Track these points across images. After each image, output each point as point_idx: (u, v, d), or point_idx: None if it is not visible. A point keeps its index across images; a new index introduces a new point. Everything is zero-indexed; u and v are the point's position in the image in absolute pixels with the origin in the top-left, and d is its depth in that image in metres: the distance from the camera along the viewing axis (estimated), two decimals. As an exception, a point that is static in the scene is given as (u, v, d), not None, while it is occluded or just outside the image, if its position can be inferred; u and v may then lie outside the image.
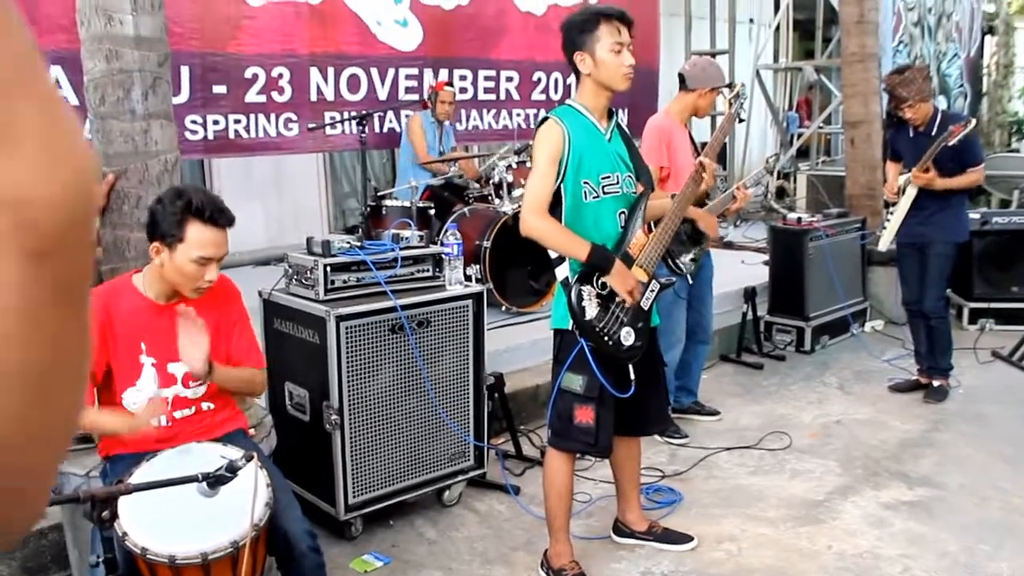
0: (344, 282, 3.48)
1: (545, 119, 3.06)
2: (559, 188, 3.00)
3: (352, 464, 3.43)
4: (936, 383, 5.31)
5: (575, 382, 3.06)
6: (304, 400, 3.52)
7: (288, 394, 3.61)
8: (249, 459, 2.10)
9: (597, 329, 2.99)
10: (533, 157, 3.05)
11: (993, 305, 6.84)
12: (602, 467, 3.91)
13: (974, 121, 4.96)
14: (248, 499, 2.17)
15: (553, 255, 3.06)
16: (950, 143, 4.81)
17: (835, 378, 5.73)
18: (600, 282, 2.99)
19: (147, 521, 2.19)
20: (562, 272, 3.04)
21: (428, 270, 3.73)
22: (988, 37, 15.12)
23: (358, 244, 3.60)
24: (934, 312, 5.21)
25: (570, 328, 3.04)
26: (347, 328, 3.35)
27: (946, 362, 5.32)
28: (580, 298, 2.98)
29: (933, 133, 4.96)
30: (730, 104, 3.63)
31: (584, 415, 3.07)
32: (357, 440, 3.44)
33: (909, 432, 4.78)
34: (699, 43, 10.53)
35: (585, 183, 3.01)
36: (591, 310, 2.98)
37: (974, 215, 6.44)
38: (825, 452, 4.51)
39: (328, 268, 3.43)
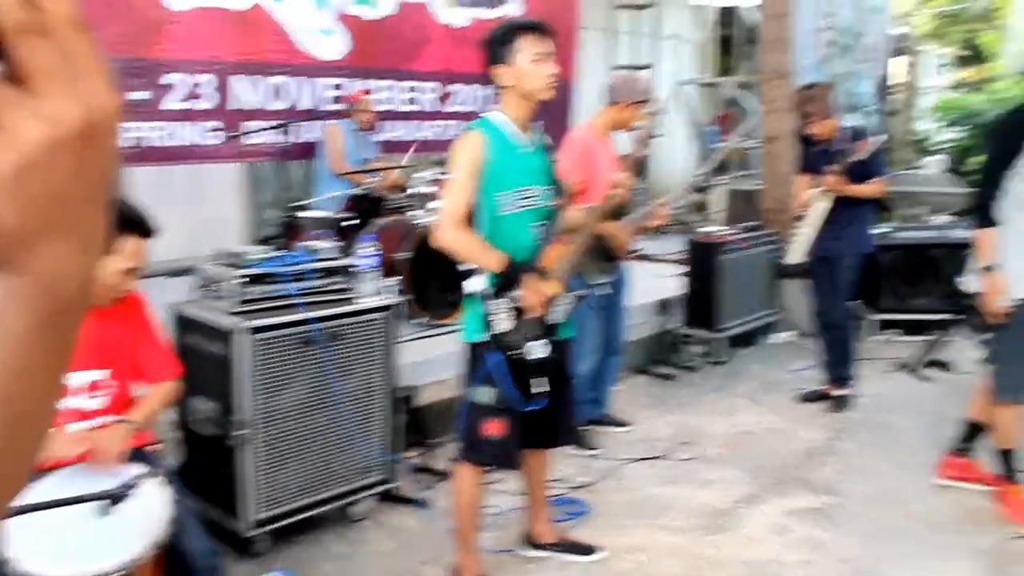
0: (256, 294, 3.45)
1: (465, 130, 3.09)
2: (477, 200, 3.03)
3: (259, 479, 3.41)
4: (840, 392, 5.47)
5: (485, 395, 3.09)
6: (212, 415, 3.47)
7: (195, 409, 3.56)
8: (149, 477, 2.07)
9: (508, 342, 3.02)
10: (451, 168, 3.08)
11: (899, 317, 7.06)
12: (513, 479, 3.94)
13: (882, 137, 5.16)
14: (147, 518, 2.15)
15: (466, 268, 3.08)
16: (856, 158, 4.99)
17: (745, 388, 5.87)
18: (513, 295, 3.02)
19: (38, 544, 2.15)
20: (475, 285, 3.06)
21: (342, 282, 3.73)
22: (897, 58, 15.61)
23: (271, 256, 3.59)
24: (840, 323, 5.39)
25: (482, 341, 3.06)
26: (257, 341, 3.33)
27: (850, 372, 5.50)
28: (492, 311, 3.01)
29: (838, 148, 5.14)
30: (646, 120, 3.69)
31: (493, 428, 3.09)
32: (265, 454, 3.42)
33: (814, 441, 4.92)
34: (623, 58, 10.69)
35: (502, 195, 3.04)
36: (504, 323, 3.02)
37: (881, 230, 6.65)
38: (734, 461, 4.61)
39: (239, 280, 3.40)
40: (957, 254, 6.95)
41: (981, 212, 3.75)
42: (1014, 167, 3.62)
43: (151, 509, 2.15)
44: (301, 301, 3.49)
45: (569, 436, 3.71)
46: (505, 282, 3.01)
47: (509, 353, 3.03)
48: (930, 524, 3.90)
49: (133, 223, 2.51)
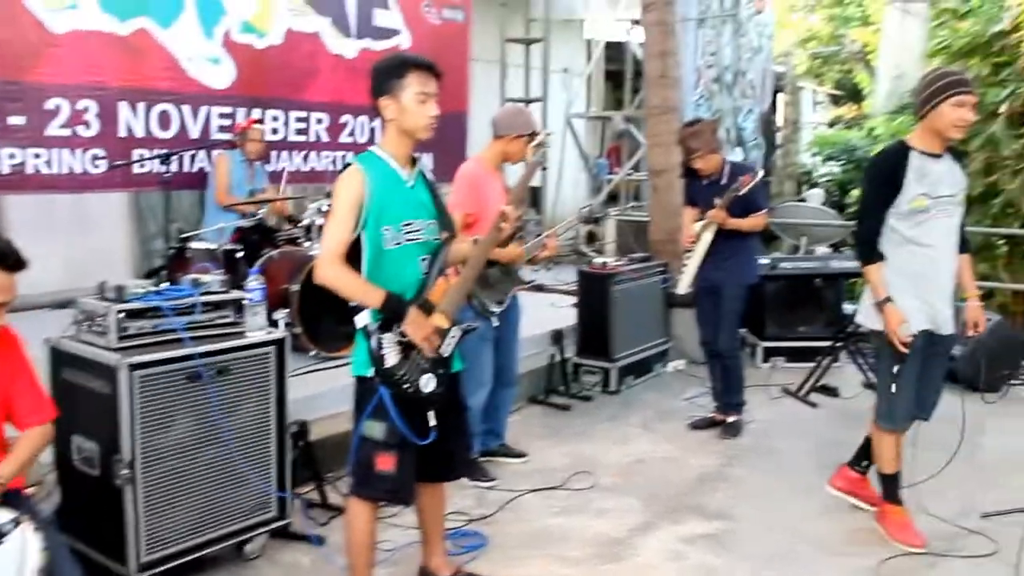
0: (139, 329, 3.34)
1: (347, 165, 3.05)
2: (360, 235, 3.00)
3: (145, 520, 3.27)
4: (731, 419, 5.59)
5: (376, 429, 3.05)
6: (94, 454, 3.33)
7: (76, 448, 3.41)
8: (17, 523, 1.97)
9: (396, 377, 2.99)
10: (332, 203, 3.04)
11: (783, 344, 7.27)
12: (409, 513, 3.88)
13: (761, 173, 5.33)
14: (16, 567, 2.03)
15: (353, 303, 3.04)
16: (741, 192, 5.15)
17: (639, 417, 5.93)
18: (400, 330, 2.99)
19: None
20: (362, 320, 3.02)
21: (229, 316, 3.64)
22: (780, 95, 16.22)
23: (154, 289, 3.48)
24: (728, 351, 5.51)
25: (371, 375, 3.03)
26: (141, 377, 3.21)
27: (739, 398, 5.63)
28: (380, 346, 2.97)
29: (723, 182, 5.29)
30: (533, 152, 3.72)
31: (385, 463, 3.05)
32: (151, 494, 3.29)
33: (706, 467, 5.00)
34: (514, 90, 10.80)
35: (386, 230, 3.02)
36: (391, 357, 2.99)
37: (765, 260, 6.86)
38: (628, 490, 4.65)
39: (121, 314, 3.29)
40: (837, 283, 7.25)
41: (866, 248, 3.87)
42: (894, 205, 3.78)
43: (19, 558, 2.03)
44: (187, 335, 3.39)
45: (464, 468, 3.68)
46: (390, 317, 2.98)
47: (399, 387, 3.00)
48: (818, 546, 4.00)
49: None
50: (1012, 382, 6.47)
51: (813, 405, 6.23)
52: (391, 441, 3.03)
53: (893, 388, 3.91)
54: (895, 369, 3.88)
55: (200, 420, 3.43)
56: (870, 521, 4.16)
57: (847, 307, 7.33)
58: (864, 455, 4.31)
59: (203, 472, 3.46)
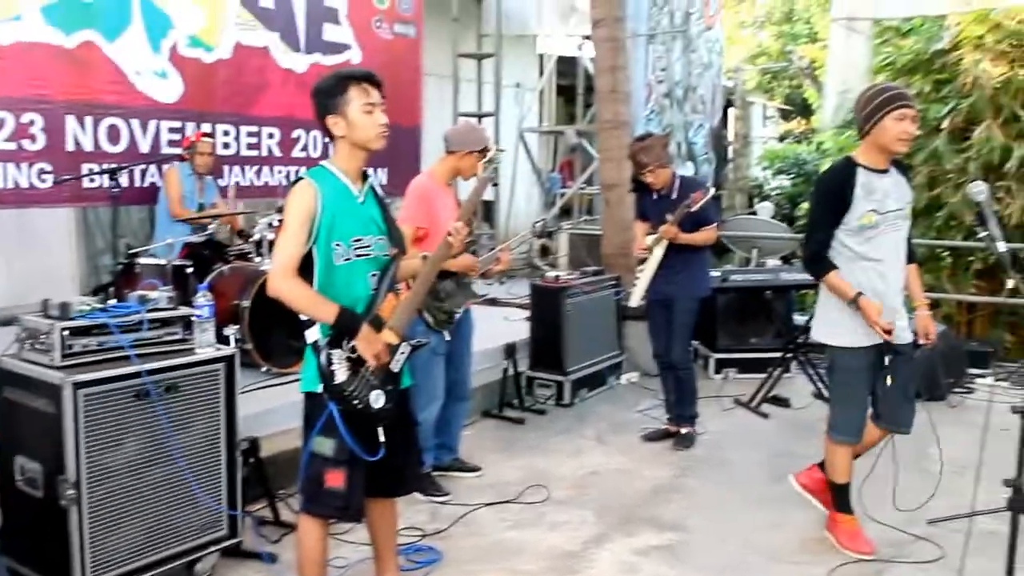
0: (84, 346, 3.29)
1: (298, 180, 3.03)
2: (311, 250, 2.98)
3: (91, 541, 3.21)
4: (684, 431, 5.63)
5: (325, 445, 3.02)
6: (37, 475, 3.27)
7: (19, 469, 3.34)
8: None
9: (346, 393, 2.97)
10: (284, 218, 3.01)
11: (735, 356, 7.35)
12: (361, 529, 3.85)
13: (712, 189, 5.38)
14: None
15: (304, 317, 3.02)
16: (692, 209, 5.20)
17: (592, 430, 5.95)
18: (350, 345, 2.98)
19: None
20: (312, 335, 3.01)
21: (177, 333, 3.59)
22: (730, 110, 16.43)
23: (100, 306, 3.42)
24: (680, 363, 5.55)
25: (320, 391, 3.00)
26: (86, 396, 3.16)
27: (692, 410, 5.67)
28: (330, 361, 2.96)
29: (674, 196, 5.34)
30: (483, 168, 3.72)
31: (334, 479, 3.03)
32: (97, 515, 3.23)
33: (659, 479, 5.03)
34: (467, 105, 10.82)
35: (337, 245, 3.01)
36: (341, 374, 2.97)
37: (716, 273, 6.93)
38: (582, 503, 4.65)
39: (65, 332, 3.23)
40: (787, 295, 7.34)
41: (817, 262, 3.89)
42: (843, 222, 3.81)
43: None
44: (133, 353, 3.34)
45: (414, 483, 3.67)
46: (341, 333, 2.98)
47: (348, 404, 2.98)
48: (770, 556, 4.04)
49: None
50: (957, 390, 6.59)
51: (765, 416, 6.30)
52: (340, 457, 3.01)
53: (843, 401, 4.00)
54: (845, 383, 3.97)
55: (148, 438, 3.37)
56: (821, 530, 4.21)
57: (797, 318, 7.43)
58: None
59: (151, 491, 3.40)
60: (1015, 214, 8.54)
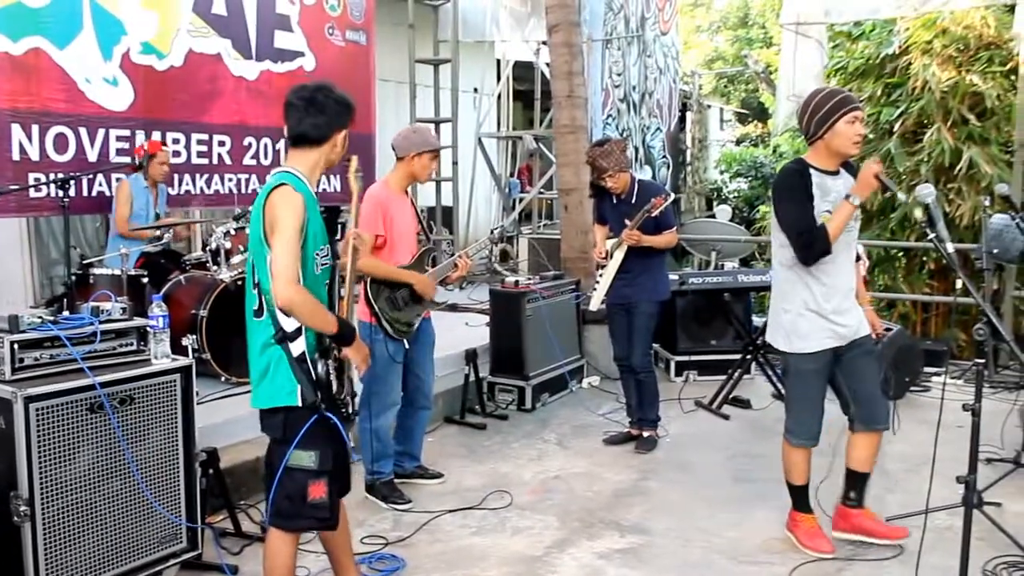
0: (35, 360, 3.24)
1: (281, 183, 2.93)
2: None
3: (46, 558, 3.15)
4: (646, 434, 5.65)
5: (306, 459, 2.99)
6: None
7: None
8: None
9: (338, 402, 3.02)
10: (276, 222, 2.87)
11: (695, 358, 7.40)
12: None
13: (672, 195, 5.41)
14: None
15: (283, 329, 2.94)
16: (653, 214, 5.23)
17: (554, 434, 5.96)
18: (336, 355, 3.02)
19: None
20: (298, 348, 2.96)
21: (132, 344, 3.55)
22: (687, 114, 16.56)
23: (51, 318, 3.37)
24: (641, 367, 5.57)
25: (299, 404, 2.96)
26: (38, 409, 3.11)
27: (654, 413, 5.69)
28: (327, 372, 2.98)
29: (633, 200, 5.37)
30: (354, 178, 3.63)
31: (317, 491, 3.01)
32: (52, 531, 3.17)
33: (622, 482, 5.04)
34: (424, 111, 10.80)
35: (316, 254, 3.01)
36: (334, 383, 3.01)
37: (674, 276, 6.98)
38: (544, 507, 4.65)
39: (15, 345, 3.18)
40: (745, 297, 7.41)
41: (819, 240, 3.73)
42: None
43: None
44: (86, 365, 3.29)
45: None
46: (336, 342, 3.00)
47: (337, 412, 3.02)
48: (732, 556, 4.06)
49: None
50: (913, 389, 6.68)
51: (726, 417, 6.34)
52: (323, 468, 3.01)
53: (798, 404, 4.04)
54: (800, 386, 4.01)
55: (103, 452, 3.33)
56: (782, 530, 4.24)
57: (756, 320, 7.50)
58: (849, 486, 4.19)
59: (108, 505, 3.36)
60: (966, 215, 8.68)
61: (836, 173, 3.90)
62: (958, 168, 8.55)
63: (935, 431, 3.30)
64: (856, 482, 4.15)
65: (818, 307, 3.87)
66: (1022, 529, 4.20)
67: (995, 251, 5.88)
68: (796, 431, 4.05)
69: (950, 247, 3.25)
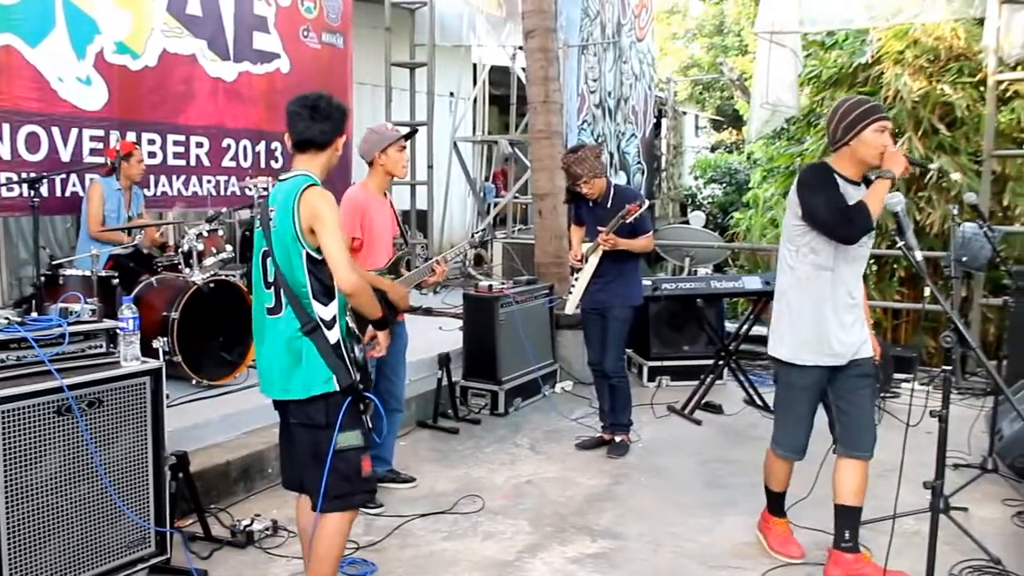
0: (2, 361, 3.20)
1: (310, 184, 3.11)
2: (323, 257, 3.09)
3: (11, 562, 3.11)
4: (618, 439, 5.66)
5: (352, 438, 3.13)
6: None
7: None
8: None
9: (368, 383, 3.19)
10: (319, 218, 3.02)
11: (668, 363, 7.43)
12: (294, 543, 3.83)
13: (647, 201, 5.43)
14: None
15: (319, 319, 3.09)
16: (628, 220, 5.24)
17: (527, 439, 5.96)
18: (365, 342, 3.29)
19: None
20: (334, 335, 3.12)
21: (101, 346, 3.52)
22: (663, 120, 16.65)
23: (19, 320, 3.33)
24: (614, 371, 5.58)
25: (337, 389, 3.08)
26: (4, 412, 3.07)
27: (626, 418, 5.70)
28: (363, 354, 3.18)
29: (608, 205, 5.38)
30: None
31: (368, 464, 3.20)
32: (17, 535, 3.13)
33: (594, 487, 5.05)
34: (400, 114, 10.78)
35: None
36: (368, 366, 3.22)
37: (647, 282, 7.00)
38: (516, 512, 4.66)
39: (-19, 346, 3.15)
40: (718, 303, 7.45)
41: (860, 217, 3.57)
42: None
43: None
44: (53, 368, 3.25)
45: None
46: (377, 326, 3.34)
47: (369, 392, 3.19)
48: (702, 560, 4.08)
49: None
50: (883, 395, 6.74)
51: (698, 422, 6.37)
52: (368, 444, 3.20)
53: (786, 417, 3.96)
54: (790, 399, 3.92)
55: (71, 455, 3.29)
56: (752, 535, 4.27)
57: (729, 326, 7.55)
58: (840, 528, 3.91)
59: (75, 509, 3.32)
60: (936, 223, 8.77)
61: (858, 184, 3.74)
62: (928, 176, 8.64)
63: (904, 437, 3.33)
64: (848, 520, 3.88)
65: (822, 318, 3.74)
66: (988, 534, 4.27)
67: (964, 259, 5.96)
68: (782, 443, 3.99)
69: (919, 255, 3.26)
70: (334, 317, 3.11)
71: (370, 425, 3.20)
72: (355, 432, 3.13)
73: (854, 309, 3.81)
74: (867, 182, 3.77)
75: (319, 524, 3.19)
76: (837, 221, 3.58)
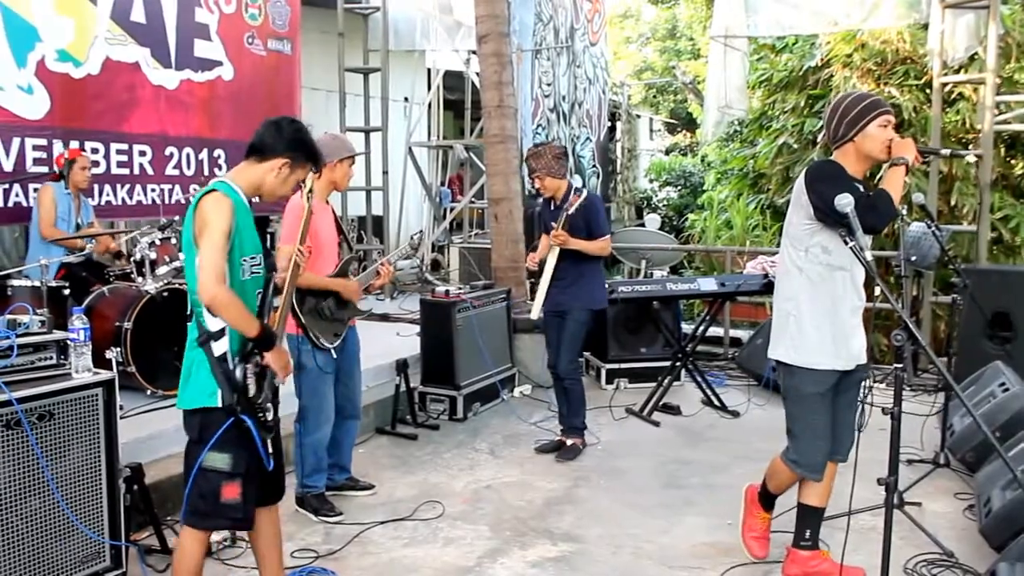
0: (-52, 375, 3.14)
1: (211, 190, 3.00)
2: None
3: (-41, 580, 3.06)
4: (569, 442, 5.67)
5: (219, 460, 3.02)
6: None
7: None
8: None
9: (256, 406, 3.03)
10: (205, 225, 2.93)
11: (626, 366, 7.46)
12: (252, 554, 3.78)
13: (585, 192, 5.42)
14: None
15: (207, 330, 2.99)
16: (570, 211, 5.25)
17: (486, 443, 5.95)
18: (258, 360, 3.04)
19: None
20: (219, 348, 3.00)
21: (51, 358, 3.46)
22: (618, 124, 16.74)
23: (-35, 332, 3.27)
24: (566, 373, 5.60)
25: (219, 406, 2.99)
26: (-49, 427, 3.01)
27: (579, 421, 5.72)
28: (245, 375, 3.00)
29: (565, 206, 5.40)
30: (306, 197, 3.66)
31: (231, 492, 3.04)
32: (-34, 552, 3.07)
33: (553, 491, 5.06)
34: (354, 120, 10.73)
35: (244, 261, 3.05)
36: (252, 387, 3.03)
37: (605, 284, 7.03)
38: (476, 517, 4.65)
39: (-73, 360, 3.08)
40: (674, 305, 7.50)
41: (882, 203, 3.47)
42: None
43: None
44: (2, 381, 3.20)
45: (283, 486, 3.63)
46: (257, 346, 3.04)
47: (256, 416, 3.04)
48: (662, 561, 4.11)
49: None
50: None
51: (656, 424, 6.40)
52: (236, 470, 3.04)
53: (805, 430, 3.73)
54: (808, 410, 3.71)
55: (20, 469, 3.24)
56: (711, 535, 4.30)
57: (685, 328, 7.61)
58: (802, 528, 3.89)
59: (25, 524, 3.27)
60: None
61: (861, 182, 3.65)
62: (878, 177, 8.77)
63: (857, 434, 3.37)
64: (811, 520, 3.86)
65: (841, 320, 3.63)
66: (941, 527, 4.35)
67: (913, 258, 6.05)
68: (802, 463, 3.75)
69: (868, 255, 3.30)
70: (222, 329, 2.99)
71: (270, 450, 3.10)
72: (225, 455, 3.02)
73: (860, 311, 3.73)
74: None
75: (179, 536, 3.19)
76: (861, 210, 3.34)
